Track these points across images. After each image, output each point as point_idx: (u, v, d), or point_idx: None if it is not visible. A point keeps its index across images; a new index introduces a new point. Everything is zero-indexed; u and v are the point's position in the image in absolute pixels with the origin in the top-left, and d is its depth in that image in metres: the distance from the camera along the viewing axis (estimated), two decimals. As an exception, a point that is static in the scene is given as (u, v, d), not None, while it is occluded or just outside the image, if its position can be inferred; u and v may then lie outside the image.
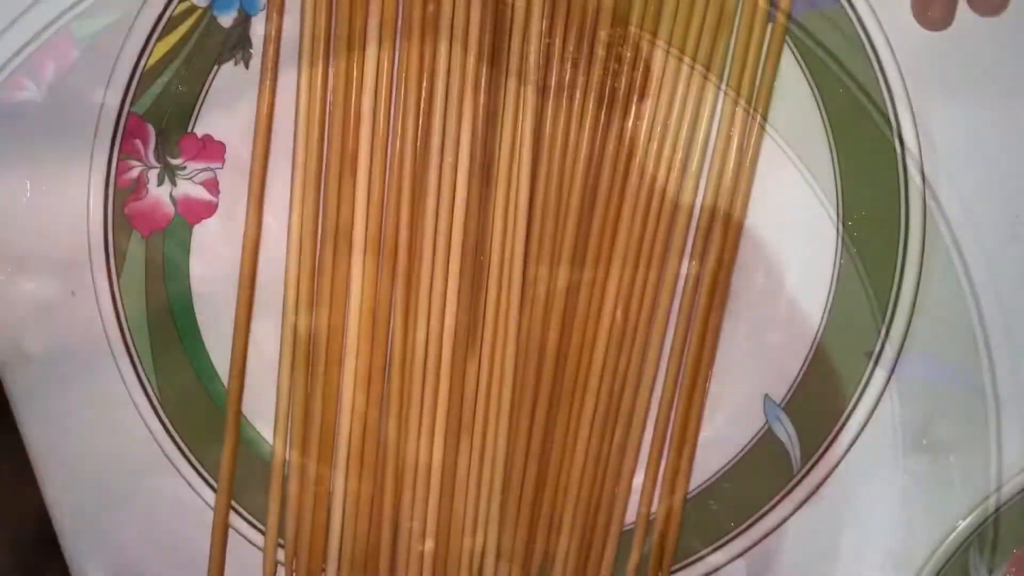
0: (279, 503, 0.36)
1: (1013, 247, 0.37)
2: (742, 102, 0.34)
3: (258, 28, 0.34)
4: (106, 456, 0.36)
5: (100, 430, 0.36)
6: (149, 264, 0.35)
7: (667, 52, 0.33)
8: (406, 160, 0.34)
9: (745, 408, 0.37)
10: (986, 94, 0.36)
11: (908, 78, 0.34)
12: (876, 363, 0.36)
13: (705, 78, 0.34)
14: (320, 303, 0.35)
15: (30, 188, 0.34)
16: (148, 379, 0.35)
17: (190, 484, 0.36)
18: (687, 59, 0.33)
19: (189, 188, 0.35)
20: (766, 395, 0.37)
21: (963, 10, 0.35)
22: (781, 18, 0.34)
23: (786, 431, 0.36)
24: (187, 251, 0.35)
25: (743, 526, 0.37)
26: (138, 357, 0.35)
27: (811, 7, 0.34)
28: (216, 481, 0.36)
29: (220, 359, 0.36)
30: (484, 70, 0.33)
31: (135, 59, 0.33)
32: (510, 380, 0.35)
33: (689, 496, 0.37)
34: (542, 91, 0.33)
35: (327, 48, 0.33)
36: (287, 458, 0.36)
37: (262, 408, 0.36)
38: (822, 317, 0.36)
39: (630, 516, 0.37)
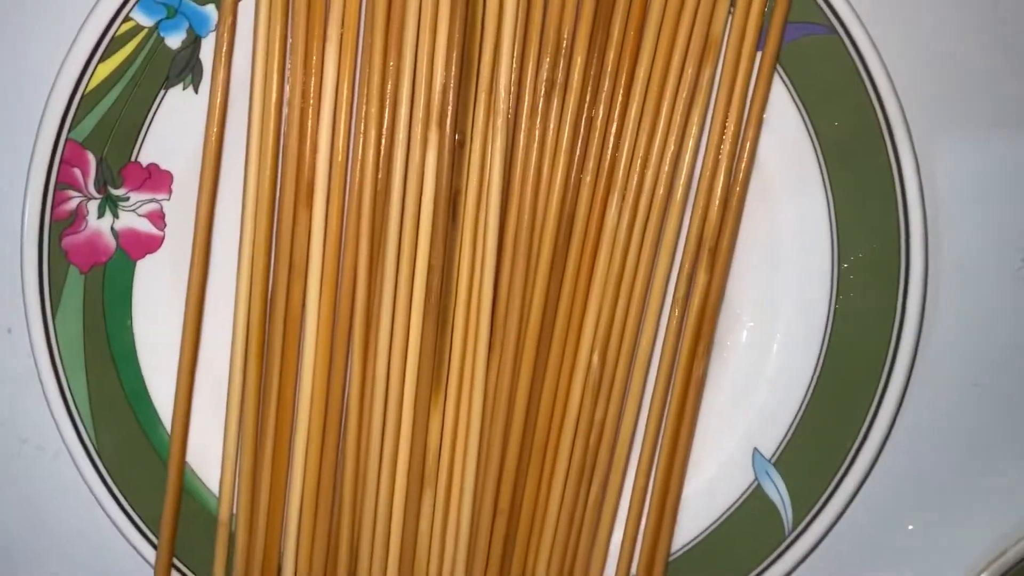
0: (224, 561, 0.33)
1: (1019, 288, 0.35)
2: (729, 134, 0.32)
3: (208, 50, 0.31)
4: (39, 505, 0.34)
5: (31, 479, 0.34)
6: (88, 302, 0.32)
7: (648, 80, 0.31)
8: (366, 192, 0.31)
9: (732, 463, 0.34)
10: (989, 123, 0.34)
11: (908, 108, 0.32)
12: (875, 415, 0.33)
13: (689, 107, 0.31)
14: (272, 345, 0.32)
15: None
16: (85, 426, 0.32)
17: (128, 540, 0.33)
18: (670, 87, 0.31)
19: (133, 220, 0.32)
20: (755, 449, 0.34)
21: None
22: (771, 45, 0.31)
23: (776, 488, 0.34)
24: (130, 288, 0.33)
25: (733, 589, 0.34)
26: (74, 402, 0.32)
27: (804, 33, 0.32)
28: (157, 537, 0.33)
29: (164, 405, 0.33)
30: (451, 97, 0.30)
31: (74, 82, 0.31)
32: (477, 430, 0.32)
33: (671, 558, 0.34)
34: (513, 120, 0.31)
35: (282, 71, 0.31)
36: (234, 512, 0.33)
37: (209, 458, 0.33)
38: (816, 365, 0.34)
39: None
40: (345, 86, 0.31)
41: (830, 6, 0.31)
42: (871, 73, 0.32)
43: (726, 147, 0.32)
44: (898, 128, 0.32)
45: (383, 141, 0.31)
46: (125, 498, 0.33)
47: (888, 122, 0.32)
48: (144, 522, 0.33)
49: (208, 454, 0.33)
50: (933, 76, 0.34)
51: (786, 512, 0.34)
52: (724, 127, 0.31)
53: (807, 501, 0.33)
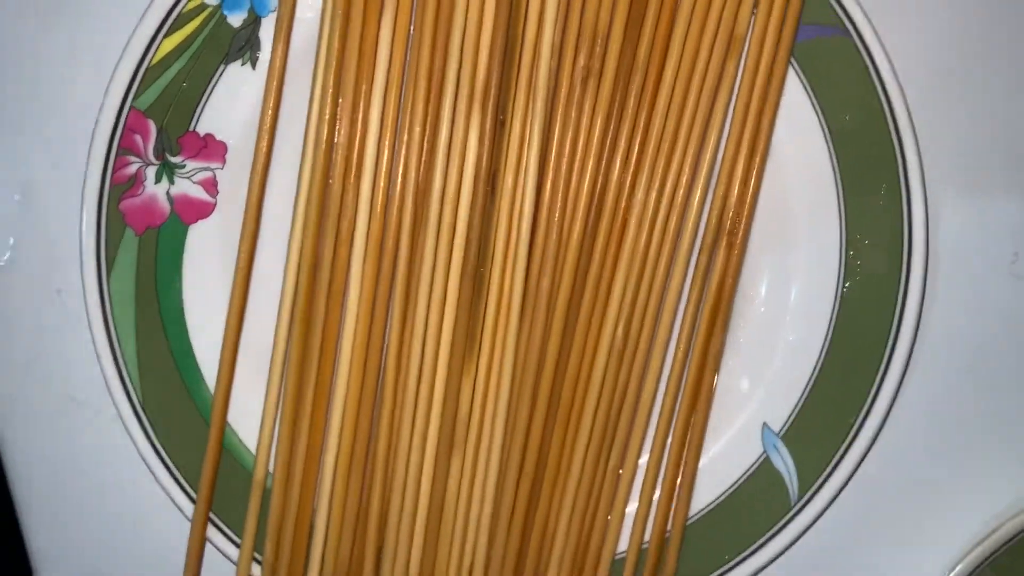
0: (257, 517, 0.34)
1: (1009, 282, 0.38)
2: (749, 123, 0.34)
3: (268, 29, 0.33)
4: (82, 460, 0.35)
5: (78, 433, 0.35)
6: (141, 264, 0.34)
7: (677, 71, 0.33)
8: (411, 166, 0.33)
9: (743, 436, 0.36)
10: (991, 122, 0.36)
11: (913, 107, 0.34)
12: (878, 392, 0.35)
13: (713, 98, 0.34)
14: (315, 311, 0.34)
15: (24, 180, 0.33)
16: (132, 382, 0.34)
17: (168, 493, 0.34)
18: (696, 79, 0.34)
19: (187, 187, 0.34)
20: (764, 423, 0.36)
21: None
22: (786, 42, 0.34)
23: (784, 461, 0.36)
24: (181, 252, 0.34)
25: (739, 558, 0.36)
26: (123, 360, 0.34)
27: (818, 34, 0.34)
28: (195, 491, 0.34)
29: (208, 366, 0.35)
30: (494, 79, 0.33)
31: (140, 54, 0.33)
32: (506, 396, 0.34)
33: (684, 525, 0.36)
34: (551, 105, 0.33)
35: (341, 54, 0.33)
36: (270, 470, 0.34)
37: (249, 419, 0.35)
38: (823, 344, 0.36)
39: (623, 544, 0.36)
40: (396, 67, 0.33)
41: (843, 8, 0.34)
42: (879, 72, 0.34)
43: (746, 135, 0.34)
44: (903, 122, 0.34)
45: (428, 118, 0.33)
46: (167, 453, 0.34)
47: (895, 117, 0.34)
48: (184, 477, 0.34)
49: (249, 415, 0.35)
50: (934, 71, 0.36)
51: (792, 484, 0.36)
52: (745, 117, 0.34)
53: (812, 473, 0.35)
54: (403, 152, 0.33)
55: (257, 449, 0.34)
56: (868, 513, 0.37)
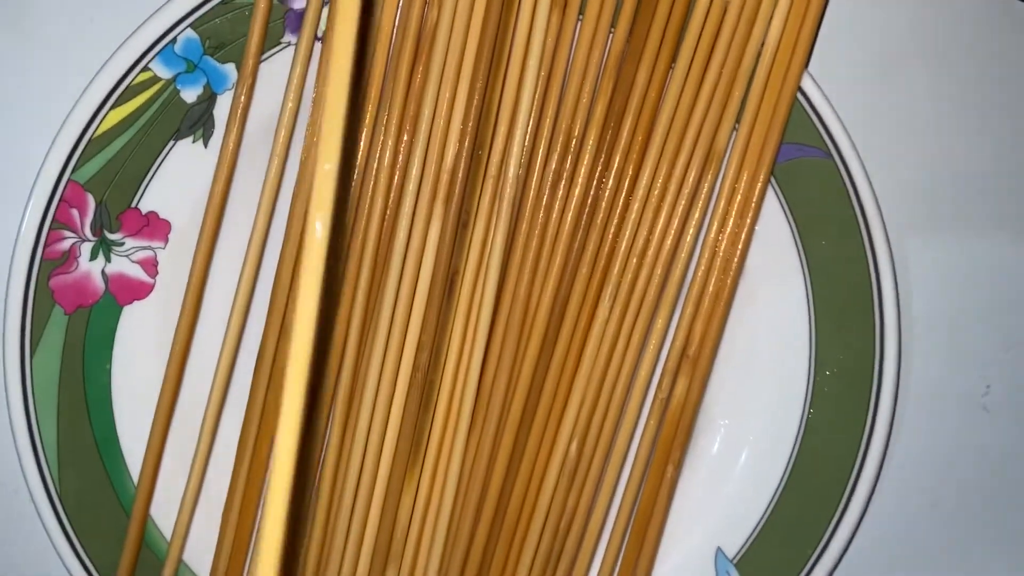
0: None
1: (982, 415, 0.37)
2: (723, 243, 0.33)
3: (222, 107, 0.31)
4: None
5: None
6: (68, 344, 0.31)
7: (651, 182, 0.32)
8: (365, 261, 0.31)
9: (695, 559, 0.35)
10: (972, 242, 0.35)
11: (891, 230, 0.33)
12: (839, 523, 0.34)
13: (687, 213, 0.32)
14: (252, 405, 0.32)
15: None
16: (49, 469, 0.32)
17: (80, 591, 0.32)
18: (671, 192, 0.32)
19: (124, 266, 0.32)
20: (719, 548, 0.35)
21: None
22: (767, 162, 0.32)
23: (737, 589, 0.34)
24: (112, 333, 0.32)
25: None
26: (42, 444, 0.31)
27: (800, 154, 0.33)
28: (110, 589, 0.32)
29: (132, 455, 0.32)
30: (460, 177, 0.31)
31: (84, 124, 0.30)
32: (448, 509, 0.32)
33: (628, 652, 0.34)
34: (518, 206, 0.32)
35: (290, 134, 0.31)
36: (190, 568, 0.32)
37: (173, 511, 0.32)
38: (785, 468, 0.35)
39: (564, 668, 0.34)
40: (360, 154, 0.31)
41: (828, 131, 0.32)
42: (861, 199, 0.33)
43: (719, 254, 0.33)
44: (882, 253, 0.33)
45: (388, 211, 0.31)
46: (81, 544, 0.32)
47: (873, 247, 0.33)
48: (99, 572, 0.32)
49: (173, 508, 0.32)
50: (918, 203, 0.35)
51: (743, 615, 0.34)
52: (719, 236, 0.32)
53: (765, 606, 0.34)
54: (359, 247, 0.31)
55: (170, 544, 0.32)
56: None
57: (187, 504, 0.32)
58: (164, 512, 0.33)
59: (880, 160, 0.33)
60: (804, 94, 0.32)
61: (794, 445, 0.34)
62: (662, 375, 0.33)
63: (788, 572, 0.34)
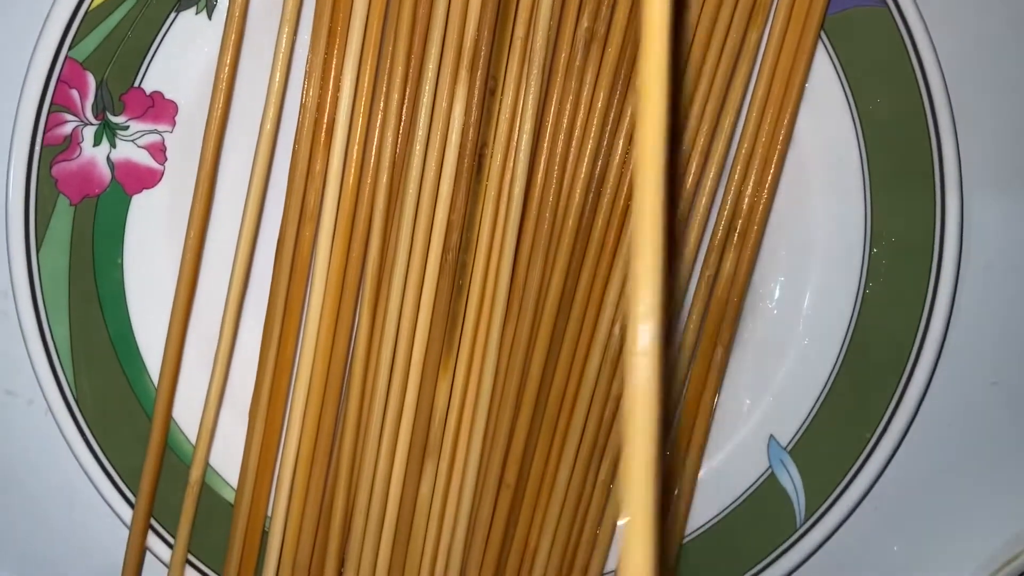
0: (190, 522, 0.30)
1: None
2: (771, 104, 0.30)
3: (226, -28, 0.29)
4: (15, 457, 0.31)
5: (10, 427, 0.31)
6: (76, 237, 0.30)
7: (692, 39, 0.30)
8: (387, 137, 0.29)
9: (747, 449, 0.33)
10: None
11: (953, 88, 0.31)
12: (897, 407, 0.32)
13: (732, 73, 0.30)
14: (274, 295, 0.30)
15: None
16: (64, 372, 0.30)
17: (104, 496, 0.31)
18: (713, 49, 0.30)
19: (131, 151, 0.30)
20: (771, 436, 0.33)
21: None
22: (817, 11, 0.30)
23: (791, 478, 0.33)
24: (122, 225, 0.30)
25: (738, 581, 0.32)
26: (54, 345, 0.30)
27: (854, 4, 0.30)
28: (135, 494, 0.30)
29: (151, 354, 0.31)
30: (484, 42, 0.29)
31: (78, -4, 0.28)
32: (487, 398, 0.30)
33: (680, 544, 0.32)
34: (548, 72, 0.29)
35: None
36: (216, 471, 0.31)
37: (197, 413, 0.31)
38: (839, 352, 0.33)
39: (611, 563, 0.32)
40: (374, 21, 0.29)
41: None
42: (919, 51, 0.30)
43: (767, 118, 0.30)
44: (941, 111, 0.31)
45: (409, 82, 0.29)
46: (104, 452, 0.30)
47: (932, 104, 0.31)
48: (122, 478, 0.31)
49: (196, 409, 0.31)
50: (979, 56, 0.33)
51: (799, 503, 0.32)
52: (767, 96, 0.30)
53: (821, 493, 0.32)
54: (379, 119, 0.29)
55: (195, 446, 0.30)
56: (881, 537, 0.34)
57: (211, 403, 0.30)
58: (187, 413, 0.31)
59: (939, 8, 0.31)
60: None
61: (849, 323, 0.32)
62: (708, 251, 0.31)
63: (845, 459, 0.32)
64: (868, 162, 0.32)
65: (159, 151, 0.30)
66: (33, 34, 0.29)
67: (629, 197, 0.30)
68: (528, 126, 0.29)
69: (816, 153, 0.32)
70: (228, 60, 0.29)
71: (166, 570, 0.31)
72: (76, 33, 0.29)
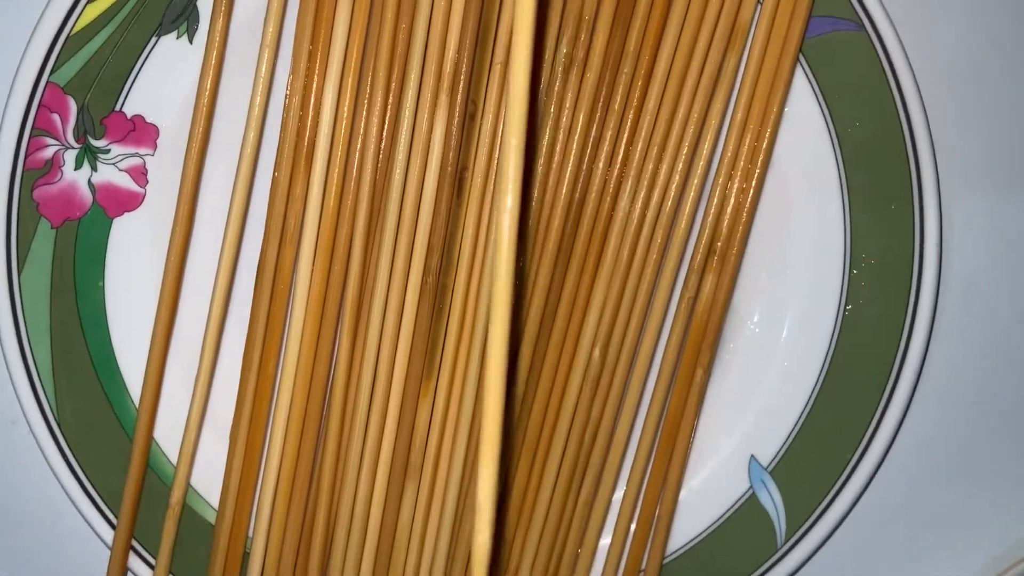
0: (172, 543, 0.30)
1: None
2: (749, 128, 0.30)
3: (207, -3, 0.29)
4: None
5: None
6: (57, 260, 0.30)
7: (671, 64, 0.30)
8: (367, 160, 0.29)
9: (728, 469, 0.33)
10: (1018, 135, 0.33)
11: (931, 111, 0.31)
12: (878, 427, 0.32)
13: (711, 97, 0.30)
14: (256, 318, 0.30)
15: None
16: (46, 393, 0.30)
17: (85, 518, 0.31)
18: (692, 73, 0.30)
19: (112, 175, 0.30)
20: (752, 456, 0.33)
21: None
22: (795, 37, 0.30)
23: (771, 498, 0.33)
24: (103, 248, 0.30)
25: (718, 602, 0.32)
26: (36, 367, 0.30)
27: (832, 28, 0.30)
28: (116, 515, 0.31)
29: (132, 374, 0.31)
30: (464, 65, 0.29)
31: (60, 21, 0.28)
32: (468, 421, 0.30)
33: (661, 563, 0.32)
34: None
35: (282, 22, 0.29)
36: (199, 493, 0.31)
37: (178, 434, 0.31)
38: (820, 372, 0.33)
39: (593, 582, 0.32)
40: (355, 47, 0.29)
41: (860, 2, 0.30)
42: (897, 74, 0.31)
43: (746, 140, 0.30)
44: (920, 134, 0.31)
45: (389, 107, 0.29)
46: (84, 472, 0.30)
47: (911, 126, 0.31)
48: (103, 499, 0.31)
49: (177, 430, 0.31)
50: (956, 79, 0.33)
51: (779, 523, 0.33)
52: (746, 119, 0.30)
53: (801, 513, 0.32)
54: (359, 142, 0.29)
55: (177, 467, 0.31)
56: (861, 560, 0.34)
57: (192, 424, 0.30)
58: (168, 434, 0.31)
59: (917, 32, 0.31)
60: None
61: (830, 344, 0.33)
62: (688, 273, 0.31)
63: (825, 479, 0.32)
64: (847, 184, 0.32)
65: (140, 174, 0.30)
66: (15, 59, 0.29)
67: (609, 221, 0.30)
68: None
69: (795, 176, 0.32)
70: (209, 84, 0.29)
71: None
72: (57, 58, 0.29)
